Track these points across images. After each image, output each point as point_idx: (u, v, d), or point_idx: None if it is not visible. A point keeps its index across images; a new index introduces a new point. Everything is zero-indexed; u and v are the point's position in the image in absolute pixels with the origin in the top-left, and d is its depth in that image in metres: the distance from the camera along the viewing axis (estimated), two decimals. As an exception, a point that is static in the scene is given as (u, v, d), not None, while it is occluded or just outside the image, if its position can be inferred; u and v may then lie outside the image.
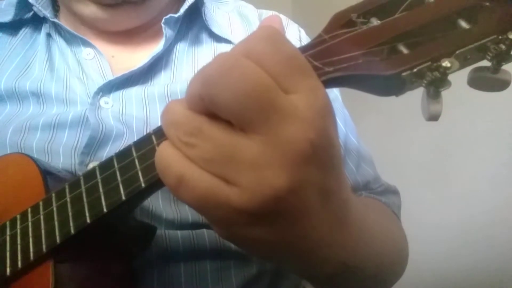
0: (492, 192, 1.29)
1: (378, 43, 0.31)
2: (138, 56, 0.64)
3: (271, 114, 0.25)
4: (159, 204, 0.53)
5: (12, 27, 0.66)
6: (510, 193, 1.25)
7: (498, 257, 1.25)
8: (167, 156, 0.28)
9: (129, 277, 0.45)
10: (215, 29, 0.66)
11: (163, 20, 0.62)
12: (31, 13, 0.66)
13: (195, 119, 0.27)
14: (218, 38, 0.66)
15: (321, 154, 0.27)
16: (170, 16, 0.62)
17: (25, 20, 0.67)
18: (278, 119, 0.25)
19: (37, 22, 0.66)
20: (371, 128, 1.33)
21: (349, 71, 0.30)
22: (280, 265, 0.34)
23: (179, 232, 0.53)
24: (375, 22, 0.32)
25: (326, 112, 0.27)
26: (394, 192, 0.71)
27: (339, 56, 0.31)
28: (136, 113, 0.58)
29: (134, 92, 0.59)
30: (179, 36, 0.66)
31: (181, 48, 0.65)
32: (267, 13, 0.73)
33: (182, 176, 0.27)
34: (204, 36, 0.67)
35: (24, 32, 0.66)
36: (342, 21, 0.32)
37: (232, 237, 0.30)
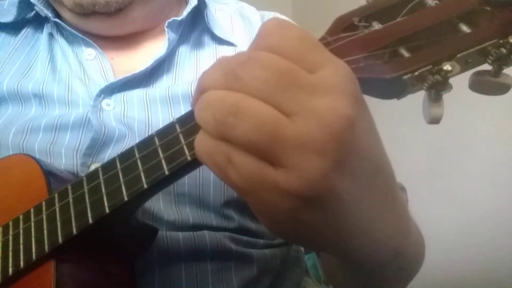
0: (492, 192, 1.29)
1: (380, 46, 0.31)
2: (140, 58, 0.64)
3: (301, 93, 0.25)
4: (160, 205, 0.53)
5: (14, 27, 0.66)
6: (510, 193, 1.25)
7: (498, 257, 1.25)
8: (207, 145, 0.27)
9: (130, 277, 0.45)
10: (218, 32, 0.66)
11: (166, 24, 0.61)
12: (33, 12, 0.65)
13: (231, 96, 0.26)
14: (220, 41, 0.66)
15: (362, 119, 0.27)
16: (173, 20, 0.62)
17: (27, 20, 0.66)
18: (309, 96, 0.25)
19: (39, 22, 0.66)
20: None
21: None
22: (332, 254, 0.33)
23: (180, 234, 0.53)
24: (376, 26, 0.32)
25: (353, 77, 0.27)
26: (401, 188, 0.70)
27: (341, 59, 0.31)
28: (138, 115, 0.58)
29: (136, 94, 0.59)
30: (182, 39, 0.65)
31: (184, 51, 0.65)
32: (269, 15, 0.73)
33: (229, 159, 0.26)
34: (206, 39, 0.67)
35: (26, 32, 0.66)
36: (344, 24, 0.33)
37: (281, 225, 0.29)
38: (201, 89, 0.28)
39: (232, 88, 0.26)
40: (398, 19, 0.32)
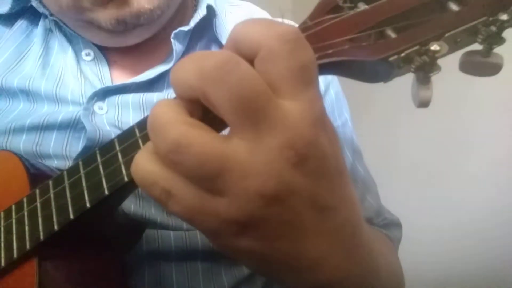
0: (492, 192, 1.28)
1: (365, 28, 0.30)
2: (142, 65, 0.61)
3: (260, 121, 0.25)
4: (151, 211, 0.52)
5: (8, 19, 0.63)
6: (510, 193, 1.24)
7: (498, 258, 1.24)
8: (151, 172, 0.27)
9: (119, 274, 0.44)
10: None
11: (172, 35, 0.58)
12: (29, 5, 0.62)
13: (178, 127, 0.26)
14: None
15: (310, 165, 0.26)
16: (180, 30, 0.59)
17: (23, 12, 0.64)
18: (266, 127, 0.25)
19: (35, 15, 0.63)
20: (371, 129, 1.33)
21: (334, 57, 0.29)
22: (278, 282, 0.33)
23: (171, 232, 0.52)
24: (362, 6, 0.31)
25: (319, 123, 0.27)
26: (396, 224, 0.70)
27: (324, 42, 0.30)
28: (133, 120, 0.54)
29: (132, 97, 0.57)
30: (187, 49, 0.62)
31: None
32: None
33: (169, 192, 0.26)
34: (213, 49, 0.64)
35: (20, 24, 0.63)
36: (328, 6, 0.31)
37: (223, 248, 0.29)
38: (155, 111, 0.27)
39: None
40: None
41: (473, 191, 1.32)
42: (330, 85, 0.68)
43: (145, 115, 0.55)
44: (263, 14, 0.73)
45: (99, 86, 0.57)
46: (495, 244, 1.24)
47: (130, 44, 0.60)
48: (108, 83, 0.58)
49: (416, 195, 1.40)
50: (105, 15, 0.53)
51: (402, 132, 1.46)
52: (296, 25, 0.31)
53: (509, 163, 1.26)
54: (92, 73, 0.59)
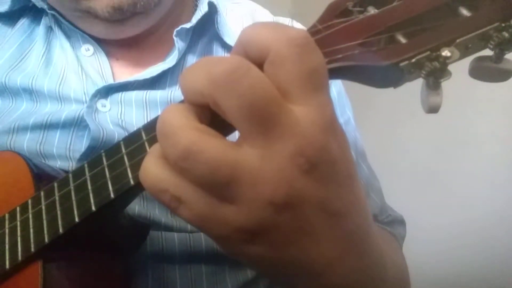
0: (492, 192, 1.28)
1: (375, 32, 0.30)
2: (143, 61, 0.61)
3: (270, 128, 0.25)
4: (156, 212, 0.52)
5: (10, 18, 0.63)
6: (510, 193, 1.24)
7: (497, 258, 1.25)
8: (161, 179, 0.27)
9: (122, 277, 0.44)
10: (228, 39, 0.62)
11: (174, 33, 0.58)
12: (31, 3, 0.62)
13: (188, 133, 0.26)
14: (230, 49, 0.63)
15: (320, 171, 0.26)
16: (182, 28, 0.59)
17: (25, 11, 0.63)
18: (276, 134, 0.25)
19: (37, 13, 0.63)
20: (371, 129, 1.33)
21: (344, 62, 0.29)
22: (288, 286, 0.33)
23: (175, 234, 0.52)
24: (372, 10, 0.31)
25: (330, 129, 0.27)
26: (400, 222, 0.70)
27: (334, 47, 0.30)
28: (136, 118, 0.56)
29: (135, 95, 0.57)
30: (189, 47, 0.62)
31: (190, 61, 0.62)
32: (284, 21, 0.70)
33: (179, 199, 0.26)
34: (215, 46, 0.64)
35: (22, 22, 0.63)
36: (337, 10, 0.31)
37: (233, 254, 0.29)
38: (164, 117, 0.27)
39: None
40: (395, 3, 0.30)
41: (473, 190, 1.32)
42: (332, 84, 0.68)
43: (148, 113, 0.56)
44: (264, 12, 0.72)
45: (100, 82, 0.57)
46: (496, 243, 1.25)
47: (128, 35, 0.60)
48: (109, 79, 0.58)
49: (417, 194, 1.40)
50: (102, 3, 0.53)
51: (403, 132, 1.46)
52: (305, 29, 0.31)
53: (509, 162, 1.27)
54: (93, 68, 0.58)
